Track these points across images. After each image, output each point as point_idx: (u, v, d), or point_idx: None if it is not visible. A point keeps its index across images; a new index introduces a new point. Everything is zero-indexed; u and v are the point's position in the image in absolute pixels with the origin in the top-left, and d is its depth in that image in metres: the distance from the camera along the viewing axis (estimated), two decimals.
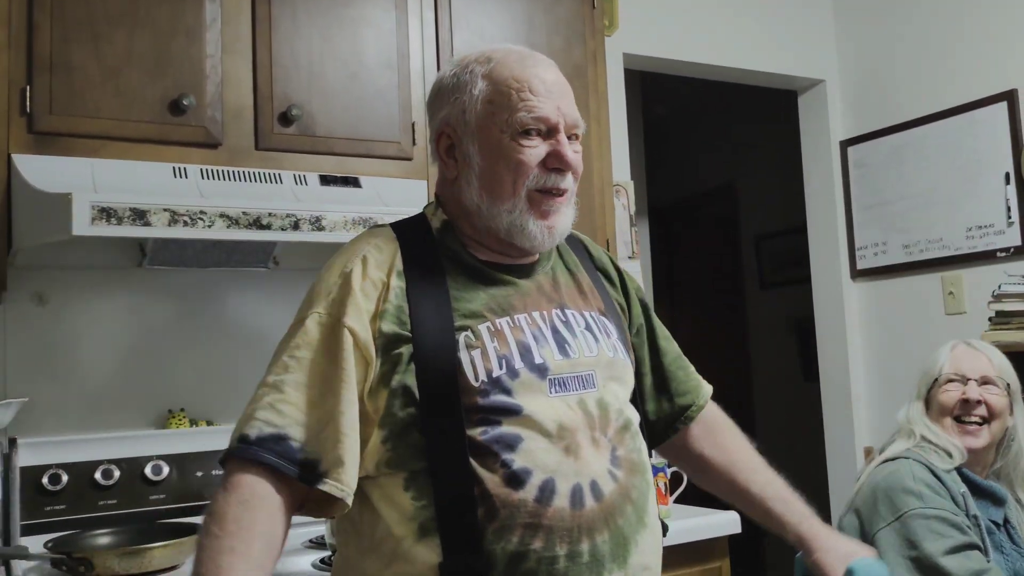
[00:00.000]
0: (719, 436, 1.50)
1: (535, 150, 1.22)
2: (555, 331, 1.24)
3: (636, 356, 1.43)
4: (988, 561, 1.72)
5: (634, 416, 1.29)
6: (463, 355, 1.17)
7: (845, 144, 3.49)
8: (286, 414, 1.14)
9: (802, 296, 3.78)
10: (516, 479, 1.14)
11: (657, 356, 1.46)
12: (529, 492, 1.14)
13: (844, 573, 1.37)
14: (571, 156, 1.24)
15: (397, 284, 1.20)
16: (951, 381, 1.92)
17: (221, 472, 1.15)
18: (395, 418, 1.17)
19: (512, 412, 1.17)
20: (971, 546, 1.72)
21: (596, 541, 1.16)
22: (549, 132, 1.23)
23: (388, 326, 1.18)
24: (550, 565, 1.13)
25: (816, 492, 3.89)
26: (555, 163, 1.23)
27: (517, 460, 1.14)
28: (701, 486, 1.54)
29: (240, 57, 1.97)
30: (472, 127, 1.24)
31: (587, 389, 1.23)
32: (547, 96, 1.23)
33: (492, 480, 1.14)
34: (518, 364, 1.18)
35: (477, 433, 1.15)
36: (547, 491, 1.14)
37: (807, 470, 4.21)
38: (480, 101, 1.24)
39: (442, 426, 1.15)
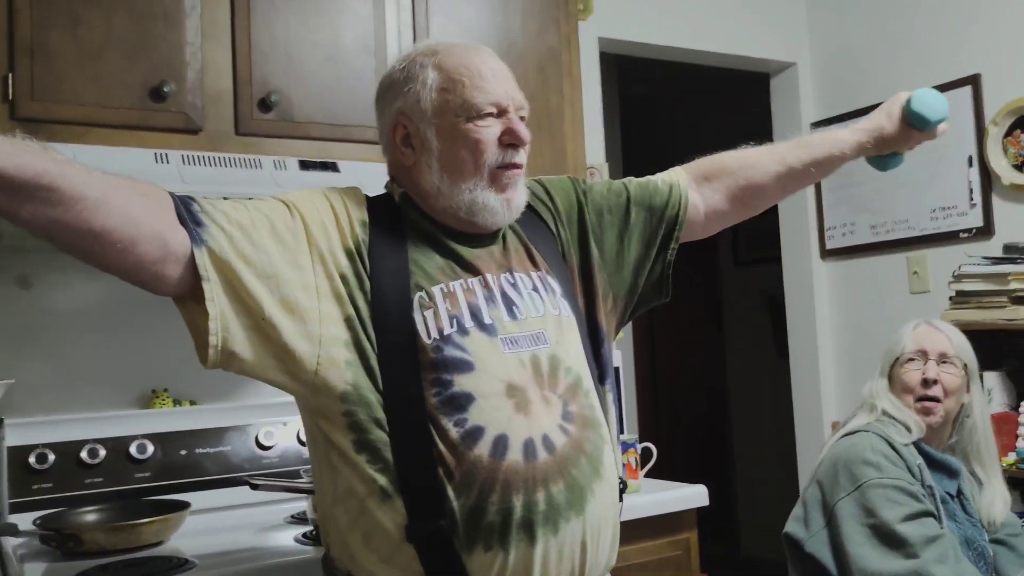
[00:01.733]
0: (737, 166, 1.59)
1: (490, 129, 1.31)
2: (504, 294, 1.31)
3: (618, 223, 1.50)
4: (941, 528, 1.81)
5: (584, 373, 1.34)
6: (417, 315, 1.24)
7: (815, 126, 3.56)
8: (205, 199, 1.22)
9: (776, 273, 3.86)
10: (470, 437, 1.19)
11: (627, 207, 1.52)
12: (483, 448, 1.19)
13: (906, 115, 1.55)
14: (524, 131, 1.33)
15: (362, 235, 1.28)
16: (912, 360, 2.00)
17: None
18: (363, 353, 1.21)
19: (463, 368, 1.22)
20: (926, 514, 1.80)
21: (551, 491, 1.21)
22: (500, 113, 1.32)
23: (353, 263, 1.25)
24: (507, 516, 1.18)
25: (785, 464, 4.01)
26: (510, 139, 1.32)
27: (470, 419, 1.20)
28: (763, 207, 1.64)
29: (219, 43, 1.99)
30: (428, 114, 1.31)
31: (540, 346, 1.29)
32: (495, 81, 1.32)
33: (447, 440, 1.19)
34: (468, 323, 1.25)
35: (431, 395, 1.21)
36: (500, 446, 1.20)
37: (778, 442, 4.32)
38: (434, 89, 1.31)
39: (400, 386, 1.21)
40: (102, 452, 2.03)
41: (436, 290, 1.27)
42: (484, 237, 1.36)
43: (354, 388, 1.21)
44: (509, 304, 1.30)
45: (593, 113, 2.99)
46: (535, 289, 1.35)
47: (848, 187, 3.45)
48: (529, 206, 1.43)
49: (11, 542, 1.81)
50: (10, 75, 1.79)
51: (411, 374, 1.21)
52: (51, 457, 1.97)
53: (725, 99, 4.90)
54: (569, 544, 1.22)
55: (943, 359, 1.98)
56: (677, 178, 1.58)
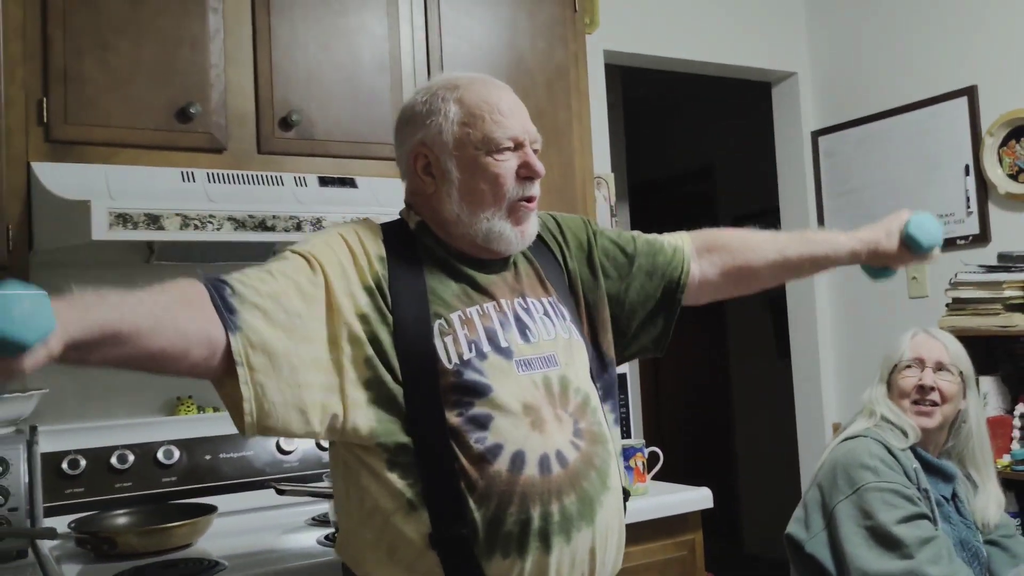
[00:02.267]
0: (739, 243, 1.64)
1: (508, 163, 1.38)
2: (517, 318, 1.38)
3: (621, 273, 1.56)
4: (936, 530, 1.86)
5: (592, 392, 1.42)
6: (437, 342, 1.31)
7: (816, 134, 3.63)
8: (233, 276, 1.25)
9: None
10: (490, 453, 1.27)
11: (632, 260, 1.58)
12: (502, 464, 1.27)
13: (903, 236, 1.58)
14: (539, 165, 1.40)
15: (381, 270, 1.34)
16: (909, 367, 2.07)
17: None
18: (382, 387, 1.28)
19: (482, 392, 1.30)
20: (921, 516, 1.86)
21: (564, 503, 1.30)
22: (517, 147, 1.39)
23: (368, 301, 1.30)
24: (525, 526, 1.27)
25: (787, 464, 4.08)
26: (527, 172, 1.39)
27: (489, 437, 1.28)
28: (755, 290, 1.69)
29: (242, 66, 2.08)
30: (450, 146, 1.37)
31: (551, 367, 1.37)
32: (512, 116, 1.39)
33: (469, 456, 1.27)
34: (486, 348, 1.33)
35: (453, 415, 1.28)
36: (518, 461, 1.28)
37: (779, 443, 4.40)
38: (455, 123, 1.37)
39: (423, 410, 1.28)
40: (131, 457, 2.11)
41: (454, 317, 1.34)
42: (496, 263, 1.44)
43: (380, 421, 1.28)
44: (523, 328, 1.38)
45: (599, 125, 3.07)
46: (546, 314, 1.42)
47: (848, 193, 3.53)
48: (541, 237, 1.51)
49: (47, 544, 1.89)
50: (44, 99, 1.88)
51: (433, 398, 1.28)
52: (83, 463, 2.06)
53: (728, 107, 4.98)
54: (580, 551, 1.31)
55: (939, 367, 2.05)
56: (682, 243, 1.64)
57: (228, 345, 1.19)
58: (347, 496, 1.36)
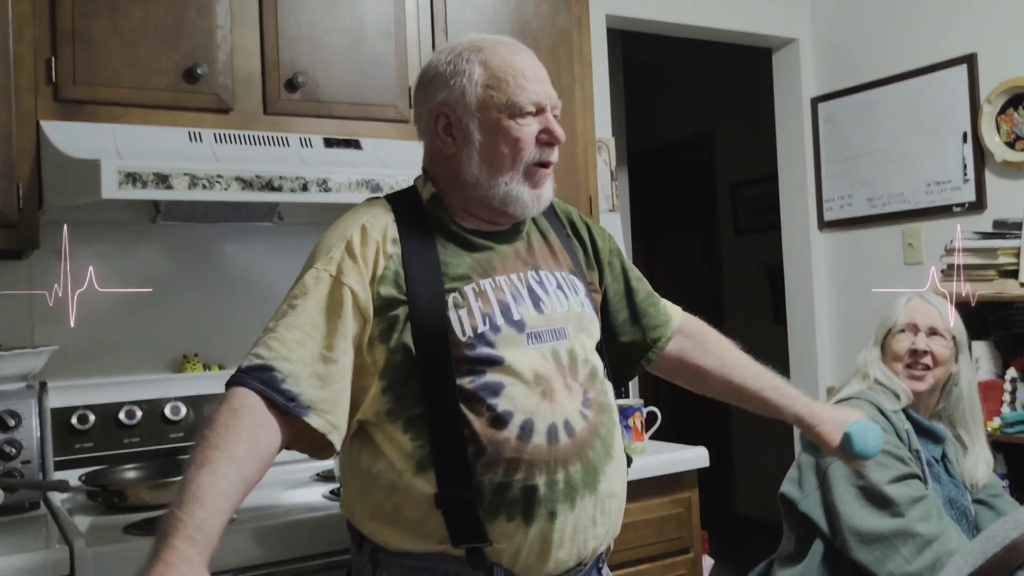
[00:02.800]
0: (708, 345, 1.67)
1: (529, 127, 1.39)
2: (531, 290, 1.41)
3: (612, 297, 1.61)
4: (926, 489, 1.92)
5: (599, 364, 1.47)
6: (452, 314, 1.34)
7: (816, 101, 3.64)
8: (274, 349, 1.29)
9: (775, 242, 3.96)
10: (500, 420, 1.31)
11: (631, 296, 1.63)
12: (511, 431, 1.31)
13: (842, 438, 1.57)
14: (559, 130, 1.42)
15: (394, 251, 1.37)
16: (903, 332, 2.11)
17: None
18: (395, 371, 1.34)
19: (495, 362, 1.33)
20: (912, 476, 1.91)
21: (570, 471, 1.34)
22: (538, 112, 1.41)
23: (387, 290, 1.34)
24: (531, 493, 1.31)
25: (781, 427, 4.14)
26: (548, 137, 1.41)
27: (500, 404, 1.32)
28: (701, 392, 1.71)
29: (248, 28, 2.08)
30: (472, 108, 1.39)
31: (560, 340, 1.40)
32: (536, 81, 1.41)
33: (479, 422, 1.31)
34: (499, 320, 1.36)
35: (466, 382, 1.32)
36: (527, 430, 1.32)
37: None
38: (479, 85, 1.39)
39: (436, 377, 1.32)
40: (139, 413, 2.15)
41: (468, 289, 1.36)
42: (508, 233, 1.46)
43: (396, 401, 1.34)
44: (536, 300, 1.41)
45: (600, 89, 3.08)
46: (559, 287, 1.45)
47: (846, 160, 3.55)
48: (558, 216, 1.55)
49: (58, 497, 1.94)
50: (53, 59, 1.89)
51: (446, 367, 1.32)
52: (91, 418, 2.10)
53: (728, 73, 4.97)
54: (583, 519, 1.35)
55: (933, 332, 2.09)
56: (675, 317, 1.67)
57: (292, 422, 1.28)
58: (356, 455, 1.40)
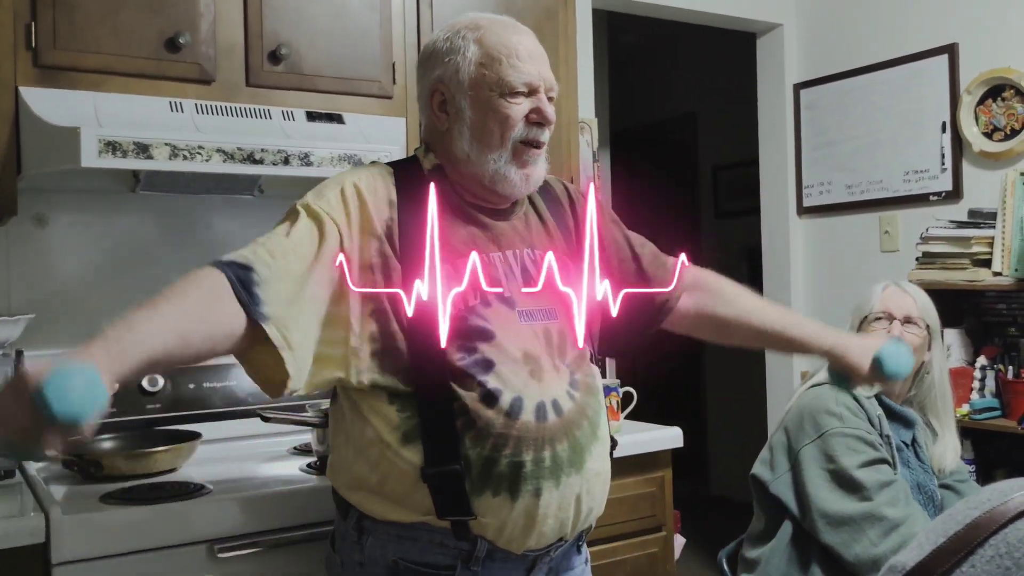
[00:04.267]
0: (725, 295, 1.70)
1: (520, 107, 1.40)
2: (524, 269, 1.43)
3: (621, 266, 1.62)
4: (895, 474, 1.94)
5: (586, 346, 1.48)
6: (444, 284, 1.34)
7: (798, 87, 3.66)
8: (259, 255, 1.28)
9: (754, 226, 3.99)
10: (490, 396, 1.33)
11: (638, 262, 1.65)
12: (501, 407, 1.33)
13: (872, 363, 1.60)
14: (550, 111, 1.43)
15: (390, 214, 1.38)
16: (879, 319, 2.13)
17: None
18: (385, 335, 1.33)
19: (486, 336, 1.35)
20: (881, 461, 1.93)
21: (556, 449, 1.36)
22: (531, 92, 1.41)
23: (377, 246, 1.35)
24: (518, 469, 1.33)
25: (755, 410, 4.17)
26: (537, 118, 1.41)
27: (491, 381, 1.33)
28: (727, 343, 1.72)
29: None
30: (465, 85, 1.41)
31: (551, 320, 1.42)
32: (530, 61, 1.42)
33: (470, 397, 1.33)
34: (490, 296, 1.37)
35: (456, 358, 1.33)
36: (516, 407, 1.34)
37: (750, 390, 4.50)
38: (473, 63, 1.40)
39: (427, 347, 1.32)
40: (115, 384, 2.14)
41: (461, 263, 1.36)
42: (505, 211, 1.47)
43: (383, 372, 1.34)
44: (528, 279, 1.42)
45: (585, 69, 3.08)
46: (551, 267, 1.45)
47: (826, 147, 3.57)
48: (557, 196, 1.56)
49: (34, 465, 1.93)
50: (33, 24, 1.86)
51: (437, 340, 1.31)
52: None
53: (712, 56, 4.98)
54: (567, 496, 1.37)
55: (907, 320, 2.11)
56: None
57: (250, 326, 1.24)
58: (343, 425, 1.41)
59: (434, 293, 1.29)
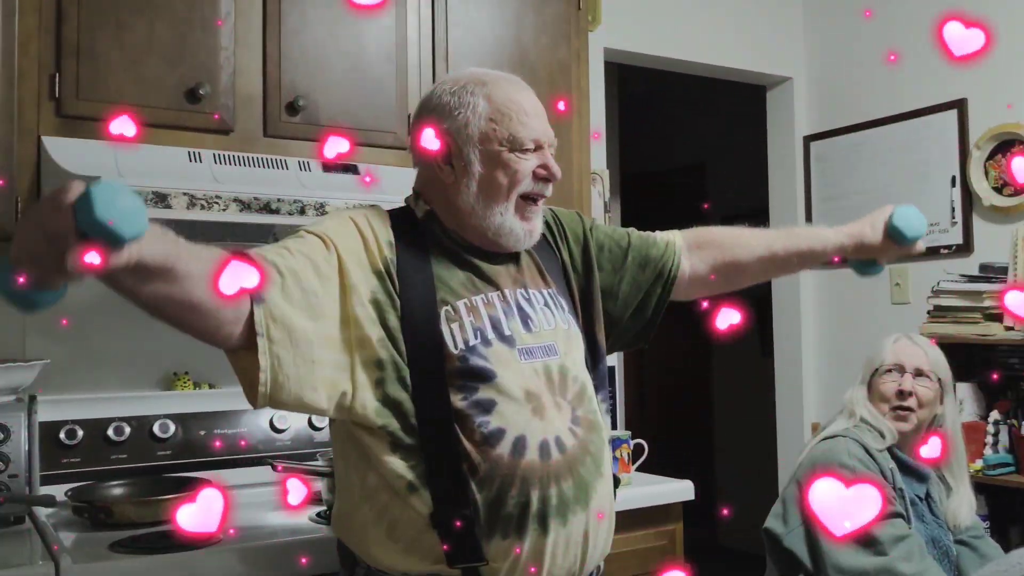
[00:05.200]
0: (725, 241, 1.70)
1: (528, 162, 1.43)
2: (519, 308, 1.44)
3: (613, 265, 1.62)
4: (910, 528, 1.93)
5: (588, 381, 1.48)
6: (444, 327, 1.36)
7: (808, 139, 3.69)
8: (257, 253, 1.24)
9: None
10: (493, 437, 1.32)
11: (627, 254, 1.64)
12: (504, 448, 1.32)
13: (887, 231, 1.63)
14: (557, 169, 1.46)
15: (389, 255, 1.38)
16: (890, 371, 2.13)
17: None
18: (389, 369, 1.32)
19: (487, 377, 1.35)
20: (896, 515, 1.92)
21: (562, 487, 1.35)
22: (537, 148, 1.44)
23: (380, 285, 1.34)
24: (524, 508, 1.32)
25: (765, 461, 4.13)
26: (544, 173, 1.45)
27: (492, 421, 1.33)
28: (744, 285, 1.73)
29: (251, 50, 2.10)
30: (475, 139, 1.42)
31: (551, 356, 1.42)
32: (536, 118, 1.45)
33: (472, 439, 1.32)
34: (491, 335, 1.38)
35: (458, 399, 1.33)
36: (519, 446, 1.33)
37: (759, 441, 4.47)
38: (483, 118, 1.42)
39: (429, 392, 1.32)
40: (127, 430, 2.14)
41: (460, 304, 1.39)
42: (500, 255, 1.48)
43: (385, 402, 1.32)
44: (524, 317, 1.43)
45: (596, 121, 3.11)
46: (546, 304, 1.48)
47: (837, 198, 3.59)
48: (544, 236, 1.56)
49: (44, 511, 1.92)
50: (57, 74, 1.90)
51: (439, 381, 1.33)
52: (80, 433, 2.09)
53: (722, 107, 5.02)
54: (575, 534, 1.37)
55: (918, 373, 2.11)
56: (674, 238, 1.69)
57: (251, 315, 1.21)
58: (348, 474, 1.40)
59: (435, 335, 1.30)
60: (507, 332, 1.40)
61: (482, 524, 1.32)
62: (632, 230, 1.70)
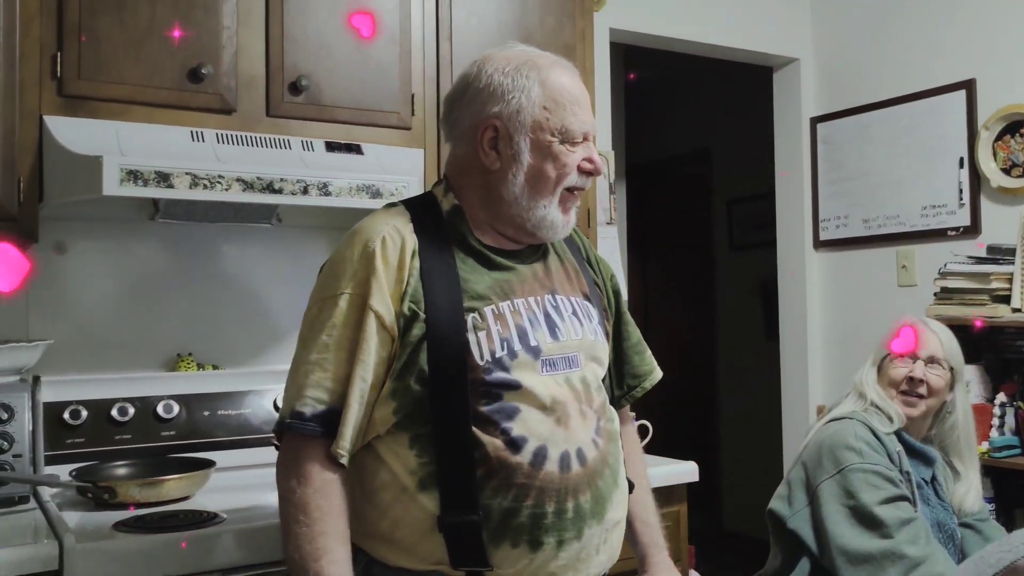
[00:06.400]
0: (624, 434, 1.60)
1: (576, 155, 1.39)
2: (547, 316, 1.40)
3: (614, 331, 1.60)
4: (916, 511, 1.93)
5: (606, 393, 1.47)
6: (471, 336, 1.32)
7: (815, 121, 3.67)
8: (333, 392, 1.31)
9: (769, 259, 3.98)
10: (514, 445, 1.30)
11: (619, 339, 1.62)
12: (524, 456, 1.30)
13: None
14: (600, 162, 1.42)
15: (413, 265, 1.34)
16: (902, 357, 2.11)
17: (277, 443, 1.36)
18: (408, 393, 1.32)
19: (512, 387, 1.32)
20: (902, 498, 1.91)
21: (580, 500, 1.33)
22: (584, 139, 1.40)
23: (407, 306, 1.32)
24: (539, 520, 1.30)
25: (770, 445, 4.14)
26: (589, 167, 1.40)
27: (515, 428, 1.31)
28: None
29: (254, 29, 2.09)
30: (527, 127, 1.37)
31: (572, 369, 1.39)
32: (586, 109, 1.41)
33: (492, 445, 1.30)
34: (517, 346, 1.34)
35: (480, 404, 1.31)
36: (540, 456, 1.31)
37: (763, 424, 4.47)
38: (537, 105, 1.37)
39: (450, 399, 1.31)
40: (131, 411, 2.14)
41: (488, 311, 1.35)
42: (527, 253, 1.45)
43: (404, 403, 1.32)
44: (552, 326, 1.39)
45: (602, 102, 3.09)
46: (574, 313, 1.44)
47: (843, 181, 3.57)
48: (575, 242, 1.56)
49: (48, 491, 1.93)
50: (59, 54, 1.89)
51: (461, 389, 1.31)
52: (84, 414, 2.09)
53: (728, 90, 4.99)
54: (588, 548, 1.36)
55: (931, 360, 2.09)
56: (656, 371, 1.68)
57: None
58: (363, 469, 1.37)
59: (461, 345, 1.30)
60: (533, 343, 1.36)
61: (491, 531, 1.30)
62: (636, 330, 1.68)
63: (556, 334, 1.39)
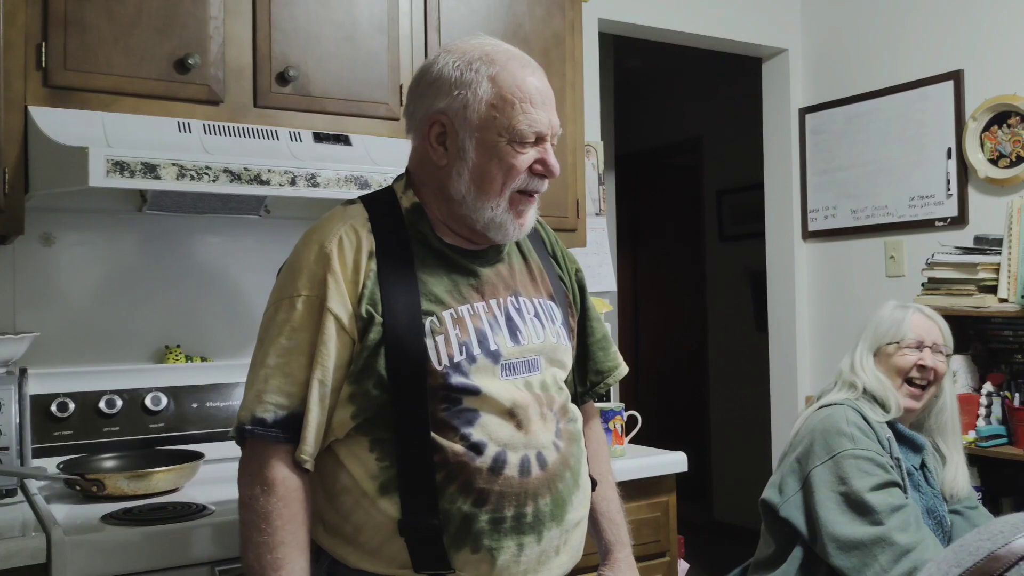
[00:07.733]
0: (588, 431, 1.60)
1: (526, 156, 1.33)
2: (508, 318, 1.38)
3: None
4: (906, 497, 1.93)
5: (567, 394, 1.46)
6: (428, 340, 1.30)
7: (804, 111, 3.67)
8: (293, 396, 1.29)
9: (759, 250, 3.99)
10: (474, 449, 1.29)
11: (584, 335, 1.60)
12: (484, 462, 1.29)
13: None
14: (555, 164, 1.36)
15: (370, 267, 1.31)
16: (910, 346, 2.10)
17: (239, 447, 1.34)
18: (367, 398, 1.30)
19: (471, 392, 1.31)
20: (893, 484, 1.91)
21: (539, 504, 1.32)
22: (538, 140, 1.35)
23: (365, 309, 1.30)
24: (498, 525, 1.29)
25: (759, 435, 4.16)
26: (542, 169, 1.35)
27: (475, 433, 1.30)
28: None
29: (241, 19, 2.08)
30: (473, 125, 1.32)
31: (532, 372, 1.38)
32: (542, 108, 1.34)
33: (452, 450, 1.28)
34: (476, 351, 1.32)
35: (440, 409, 1.29)
36: (499, 461, 1.30)
37: (753, 415, 4.48)
38: (484, 103, 1.31)
39: (409, 404, 1.29)
40: (119, 403, 2.14)
41: (446, 315, 1.32)
42: (489, 253, 1.41)
43: (364, 407, 1.31)
44: (513, 329, 1.37)
45: (591, 93, 3.09)
46: (536, 315, 1.42)
47: (832, 171, 3.57)
48: (540, 236, 1.53)
49: (36, 484, 1.92)
50: (44, 44, 1.87)
51: (420, 395, 1.29)
52: (71, 406, 2.08)
53: (717, 81, 4.99)
54: (548, 550, 1.35)
55: (936, 349, 2.09)
56: (621, 367, 1.65)
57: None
58: (324, 473, 1.36)
59: (419, 350, 1.29)
60: (493, 347, 1.34)
61: (451, 535, 1.29)
62: (603, 324, 1.65)
63: (517, 337, 1.37)
